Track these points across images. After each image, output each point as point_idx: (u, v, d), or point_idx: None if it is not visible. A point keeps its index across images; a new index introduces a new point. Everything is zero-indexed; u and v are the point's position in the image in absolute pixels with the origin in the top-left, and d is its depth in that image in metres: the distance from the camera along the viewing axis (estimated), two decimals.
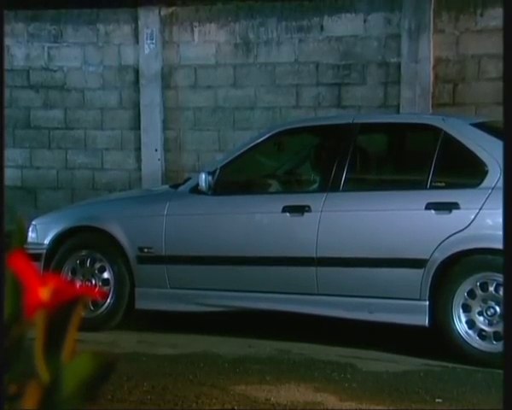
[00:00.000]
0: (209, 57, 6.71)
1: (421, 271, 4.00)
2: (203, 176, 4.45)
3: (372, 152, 4.80)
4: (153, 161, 6.83)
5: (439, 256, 3.97)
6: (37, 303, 0.69)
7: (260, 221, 4.44)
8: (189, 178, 4.95)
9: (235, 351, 4.18)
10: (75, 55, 7.03)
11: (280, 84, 6.49)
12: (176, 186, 4.88)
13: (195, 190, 4.54)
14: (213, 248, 4.47)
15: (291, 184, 4.96)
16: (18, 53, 7.13)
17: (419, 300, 4.00)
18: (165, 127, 6.89)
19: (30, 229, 4.76)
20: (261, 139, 4.65)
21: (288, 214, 4.33)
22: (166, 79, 6.85)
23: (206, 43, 6.71)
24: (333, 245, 4.22)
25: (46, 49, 7.10)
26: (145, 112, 6.86)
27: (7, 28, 7.11)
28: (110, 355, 0.75)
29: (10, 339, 0.71)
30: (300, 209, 4.31)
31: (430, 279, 3.98)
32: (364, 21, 6.19)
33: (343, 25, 6.25)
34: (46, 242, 4.69)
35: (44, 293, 0.69)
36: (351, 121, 4.52)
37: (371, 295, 4.12)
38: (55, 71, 7.08)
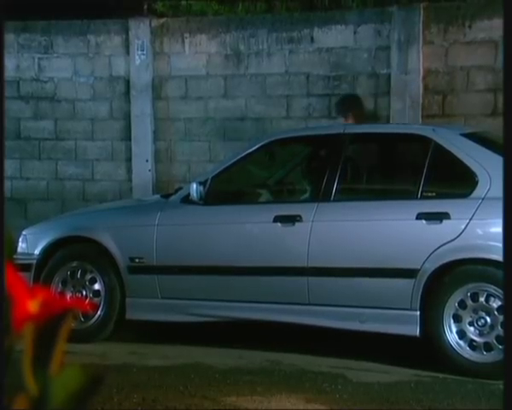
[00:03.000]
0: (200, 68, 6.70)
1: (412, 281, 3.99)
2: (194, 186, 4.43)
3: (363, 162, 4.80)
4: (143, 171, 6.80)
5: (430, 266, 3.96)
6: (26, 316, 0.67)
7: (251, 231, 4.42)
8: (180, 188, 4.94)
9: (226, 362, 4.15)
10: (65, 65, 7.00)
11: (270, 95, 6.49)
12: (167, 196, 4.86)
13: (187, 199, 4.52)
14: (205, 258, 4.45)
15: (282, 193, 4.96)
16: (8, 64, 7.08)
17: (410, 310, 3.99)
18: (155, 138, 6.87)
19: (20, 239, 4.71)
20: (252, 149, 4.64)
21: (279, 224, 4.32)
22: (157, 89, 6.83)
23: (196, 54, 6.70)
24: (324, 255, 4.20)
25: (36, 60, 7.07)
26: (136, 123, 6.84)
27: None
28: (99, 368, 0.73)
29: None
30: (292, 219, 4.30)
31: (421, 289, 3.97)
32: (354, 33, 6.21)
33: (333, 36, 6.26)
34: (36, 252, 4.65)
35: (33, 305, 0.68)
36: (341, 131, 4.52)
37: (362, 305, 4.11)
38: (45, 82, 7.05)
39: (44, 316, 0.69)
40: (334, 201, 4.28)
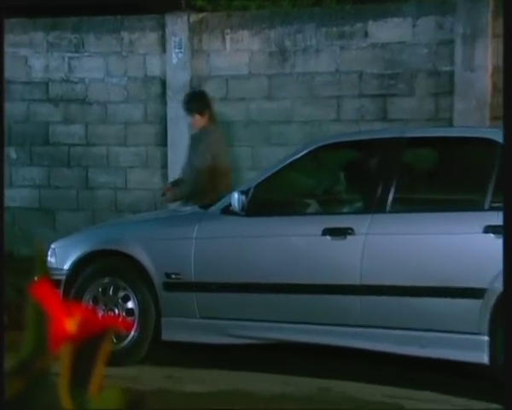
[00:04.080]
0: (242, 67, 6.74)
1: (479, 301, 3.91)
2: (236, 195, 4.45)
3: (422, 169, 4.74)
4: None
5: (500, 285, 3.88)
6: (63, 335, 0.68)
7: (298, 245, 4.41)
8: (220, 198, 4.96)
9: (270, 388, 4.14)
10: (97, 65, 7.13)
11: (319, 96, 6.48)
12: (206, 207, 4.89)
13: (227, 210, 4.54)
14: (247, 275, 4.46)
15: (332, 204, 4.94)
16: (36, 64, 7.25)
17: (477, 334, 3.92)
18: None
19: (48, 253, 4.80)
20: (299, 156, 4.64)
21: (328, 238, 4.30)
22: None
23: (238, 51, 6.74)
24: (379, 272, 4.16)
25: (66, 59, 7.21)
26: (172, 126, 6.91)
27: (24, 38, 7.26)
28: (137, 392, 0.74)
29: (33, 373, 0.70)
30: (342, 232, 4.27)
31: (489, 311, 3.89)
32: (413, 26, 6.15)
33: (389, 30, 6.22)
34: (66, 267, 4.72)
35: (71, 324, 0.68)
36: (398, 135, 4.48)
37: (423, 328, 4.05)
38: (75, 83, 7.18)
39: (83, 336, 0.69)
40: (390, 212, 4.24)
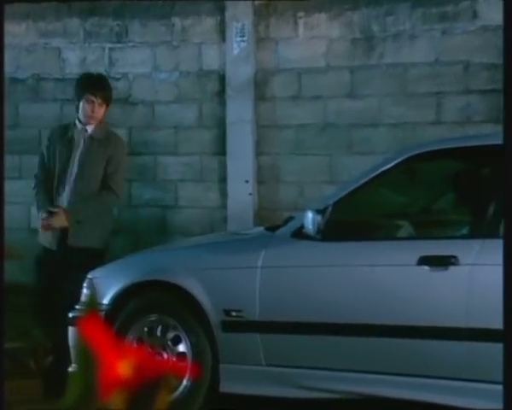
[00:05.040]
0: (317, 58, 6.75)
1: None
2: (310, 215, 4.45)
3: None
4: (242, 195, 6.90)
5: None
6: (115, 381, 0.69)
7: (387, 277, 4.38)
8: (290, 218, 4.97)
9: None
10: (143, 58, 7.25)
11: (413, 93, 6.44)
12: (273, 229, 4.90)
13: (299, 233, 4.55)
14: (324, 313, 4.45)
15: (430, 226, 4.90)
16: (71, 57, 7.43)
17: None
18: (258, 151, 6.96)
19: (84, 285, 4.89)
20: (388, 166, 4.62)
21: (425, 268, 4.27)
22: (261, 87, 6.93)
23: (313, 39, 6.76)
24: (490, 312, 4.09)
25: (107, 51, 7.37)
26: (232, 131, 6.97)
27: (57, 26, 7.45)
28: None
29: None
30: (444, 261, 4.24)
31: None
32: None
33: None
34: (104, 302, 4.80)
35: (124, 368, 0.70)
36: None
37: None
38: (117, 79, 7.32)
39: (138, 382, 0.70)
40: None
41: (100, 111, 5.33)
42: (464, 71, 6.34)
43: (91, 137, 5.33)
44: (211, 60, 7.05)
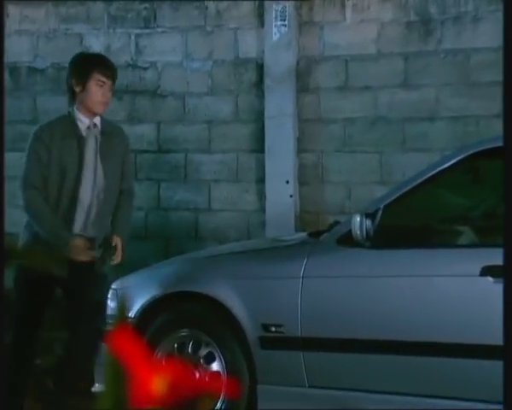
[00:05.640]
0: (367, 44, 6.75)
1: None
2: (358, 220, 4.45)
3: None
4: (282, 197, 6.92)
5: None
6: (148, 398, 0.71)
7: (446, 289, 4.37)
8: (336, 223, 4.97)
9: None
10: (173, 45, 7.31)
11: (477, 82, 6.41)
12: (317, 234, 4.91)
13: (346, 240, 4.54)
14: (374, 329, 4.44)
15: (494, 232, 4.86)
16: (95, 44, 7.50)
17: None
18: (300, 149, 6.98)
19: (109, 295, 4.94)
20: (447, 165, 4.61)
21: (489, 279, 4.25)
22: (303, 77, 6.95)
23: (363, 23, 6.76)
24: None
25: (133, 38, 7.44)
26: (272, 126, 6.99)
27: (80, 10, 7.54)
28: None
29: None
30: None
31: None
32: None
33: None
34: (131, 314, 4.84)
35: (157, 384, 0.71)
36: None
37: None
38: (145, 69, 7.39)
39: (172, 400, 0.72)
40: None
41: (110, 96, 4.78)
42: None
43: (102, 133, 4.73)
44: (248, 47, 7.08)
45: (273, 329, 4.62)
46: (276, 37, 6.92)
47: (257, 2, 7.04)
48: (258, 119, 7.05)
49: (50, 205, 4.62)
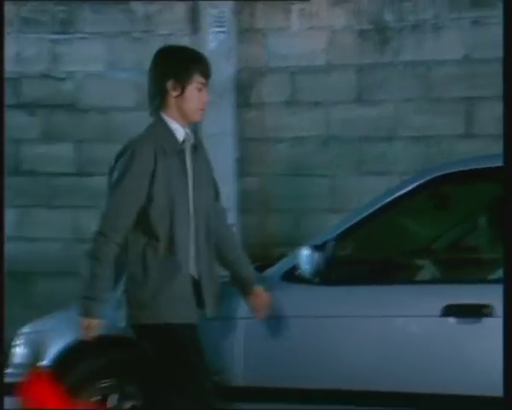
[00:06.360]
0: (317, 55, 6.80)
1: None
2: (306, 253, 4.48)
3: None
4: None
5: None
6: None
7: (405, 331, 4.40)
8: (282, 256, 5.00)
9: None
10: (95, 53, 7.29)
11: (439, 98, 6.49)
12: (260, 269, 4.92)
13: (292, 275, 4.56)
14: (325, 377, 4.46)
15: (458, 267, 4.92)
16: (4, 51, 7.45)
17: None
18: (242, 172, 6.99)
19: (18, 341, 4.88)
20: (406, 191, 4.65)
21: (452, 320, 4.30)
22: (245, 91, 6.98)
23: (311, 31, 6.81)
24: None
25: (49, 44, 7.40)
26: (208, 146, 6.98)
27: None
28: None
29: None
30: (476, 311, 4.27)
31: None
32: None
33: None
34: (46, 362, 4.80)
35: None
36: None
37: None
38: (62, 79, 7.36)
39: None
40: None
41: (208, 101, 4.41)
42: (501, 71, 6.41)
43: (195, 146, 4.39)
44: None
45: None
46: (212, 44, 6.92)
47: (191, 5, 7.03)
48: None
49: (160, 253, 4.18)
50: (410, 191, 4.62)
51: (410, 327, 4.41)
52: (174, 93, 4.29)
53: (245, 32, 6.93)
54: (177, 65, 4.32)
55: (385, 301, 4.49)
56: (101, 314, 4.24)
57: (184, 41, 7.04)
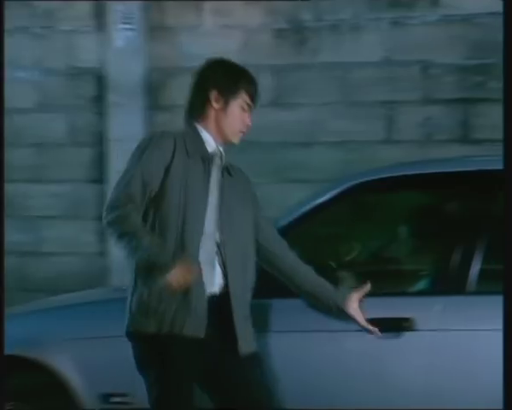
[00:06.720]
0: (231, 54, 6.73)
1: None
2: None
3: None
4: None
5: None
6: None
7: (322, 347, 4.44)
8: None
9: None
10: None
11: (359, 102, 6.54)
12: None
13: None
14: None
15: (377, 279, 4.96)
16: None
17: None
18: None
19: None
20: (325, 199, 4.70)
21: (368, 335, 4.32)
22: (155, 92, 6.97)
23: (225, 29, 6.82)
24: (456, 392, 4.20)
25: None
26: (116, 151, 6.95)
27: None
28: None
29: None
30: (395, 325, 4.32)
31: None
32: None
33: None
34: None
35: None
36: (490, 168, 4.51)
37: None
38: None
39: None
40: (476, 293, 4.29)
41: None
42: (422, 74, 6.47)
43: (227, 169, 4.32)
44: (86, 54, 7.05)
45: (115, 399, 4.61)
46: (120, 43, 6.87)
47: (96, 2, 7.00)
48: (99, 142, 7.01)
49: (167, 235, 4.03)
50: (328, 200, 4.67)
51: (327, 343, 4.45)
52: (216, 105, 4.19)
53: (155, 30, 6.90)
54: (225, 76, 4.24)
55: (303, 314, 4.50)
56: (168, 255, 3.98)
57: (89, 38, 7.00)
